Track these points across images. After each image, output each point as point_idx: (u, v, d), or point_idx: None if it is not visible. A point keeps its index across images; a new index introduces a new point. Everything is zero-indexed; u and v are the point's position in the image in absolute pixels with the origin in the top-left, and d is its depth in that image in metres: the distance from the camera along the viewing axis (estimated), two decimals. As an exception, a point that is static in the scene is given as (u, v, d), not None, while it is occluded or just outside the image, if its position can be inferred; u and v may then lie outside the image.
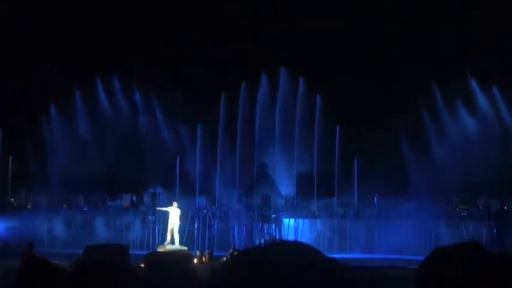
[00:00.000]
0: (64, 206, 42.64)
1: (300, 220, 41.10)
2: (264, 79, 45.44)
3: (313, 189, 42.14)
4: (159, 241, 36.12)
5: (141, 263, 24.07)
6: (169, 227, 31.37)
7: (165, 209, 32.95)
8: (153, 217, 40.10)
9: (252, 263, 7.87)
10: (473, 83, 44.38)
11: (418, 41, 52.64)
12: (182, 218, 32.40)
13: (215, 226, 40.54)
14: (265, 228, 41.04)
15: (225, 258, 27.87)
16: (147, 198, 43.86)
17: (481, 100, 44.10)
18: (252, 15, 54.61)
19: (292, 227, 40.81)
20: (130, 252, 26.60)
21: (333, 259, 9.15)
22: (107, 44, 52.76)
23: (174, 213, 31.57)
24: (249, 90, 45.17)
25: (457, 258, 6.40)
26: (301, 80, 44.33)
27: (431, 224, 40.16)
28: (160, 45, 53.25)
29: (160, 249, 30.71)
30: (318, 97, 44.03)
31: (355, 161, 42.28)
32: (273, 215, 41.16)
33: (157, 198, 42.48)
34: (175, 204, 32.23)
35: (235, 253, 25.35)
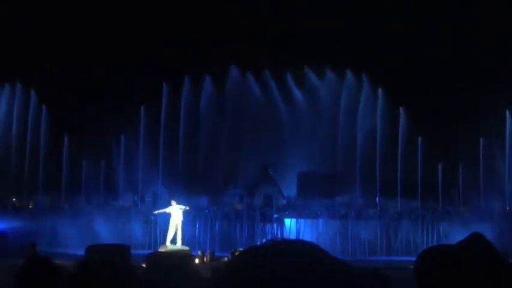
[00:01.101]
0: (66, 206, 42.73)
1: (302, 220, 41.06)
2: (268, 78, 45.65)
3: (315, 188, 42.18)
4: (161, 241, 36.08)
5: (143, 263, 24.10)
6: (172, 227, 31.19)
7: (163, 210, 32.71)
8: (155, 217, 40.09)
9: (253, 263, 7.88)
10: None
11: (418, 41, 52.74)
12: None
13: (217, 226, 40.51)
14: (267, 228, 41.00)
15: (226, 259, 27.87)
16: (148, 198, 43.85)
17: None
18: (252, 15, 54.70)
19: (294, 227, 40.77)
20: (132, 252, 26.58)
21: (335, 258, 9.17)
22: (107, 44, 52.83)
23: (175, 212, 31.34)
24: (250, 89, 45.35)
25: (458, 252, 6.41)
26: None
27: (434, 224, 40.32)
28: (160, 45, 53.31)
29: (161, 249, 30.65)
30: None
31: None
32: (275, 215, 41.11)
33: (159, 198, 42.46)
34: (174, 202, 31.93)
35: (236, 253, 25.37)
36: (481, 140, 43.80)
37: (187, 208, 31.77)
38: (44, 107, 45.47)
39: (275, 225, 40.88)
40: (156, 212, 34.56)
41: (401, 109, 44.29)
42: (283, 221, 41.06)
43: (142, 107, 44.92)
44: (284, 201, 43.72)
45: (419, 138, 43.60)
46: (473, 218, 39.15)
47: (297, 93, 46.24)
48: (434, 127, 46.15)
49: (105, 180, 43.95)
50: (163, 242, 32.37)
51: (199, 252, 31.67)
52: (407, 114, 44.27)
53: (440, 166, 43.46)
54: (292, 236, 39.19)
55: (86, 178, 43.52)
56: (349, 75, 45.28)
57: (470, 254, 6.29)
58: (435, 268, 6.51)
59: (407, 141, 43.73)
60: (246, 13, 54.27)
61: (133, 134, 44.86)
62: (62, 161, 44.32)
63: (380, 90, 44.61)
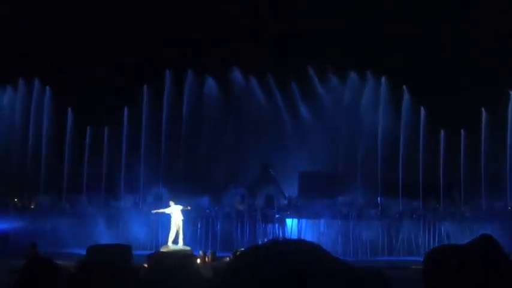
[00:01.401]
0: (67, 206, 42.71)
1: (303, 220, 41.00)
2: (269, 78, 45.69)
3: (316, 188, 42.11)
4: (162, 241, 36.10)
5: (144, 264, 24.06)
6: (173, 227, 31.15)
7: (162, 210, 32.69)
8: (155, 216, 40.06)
9: (254, 263, 7.78)
10: None
11: (418, 41, 52.66)
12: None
13: (218, 226, 40.46)
14: (269, 228, 40.95)
15: (228, 259, 27.85)
16: (149, 199, 43.80)
17: None
18: (252, 15, 54.58)
19: (296, 227, 40.71)
20: (134, 252, 26.56)
21: (337, 258, 9.10)
22: (107, 44, 52.75)
23: (175, 212, 31.33)
24: (251, 90, 45.37)
25: (464, 252, 6.34)
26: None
27: (435, 224, 40.29)
28: (160, 45, 53.23)
29: (163, 249, 30.67)
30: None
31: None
32: (277, 215, 41.06)
33: (161, 198, 42.42)
34: (172, 203, 31.89)
35: (238, 253, 25.35)
36: (482, 139, 43.81)
37: (189, 208, 31.81)
38: (44, 105, 45.51)
39: (276, 226, 40.83)
40: (154, 211, 34.56)
41: (404, 87, 44.45)
42: (285, 221, 41.01)
43: (143, 107, 44.90)
44: (285, 202, 43.65)
45: (421, 108, 43.74)
46: (475, 217, 39.13)
47: (298, 94, 46.25)
48: (435, 123, 46.10)
49: (106, 180, 43.96)
50: (165, 242, 32.40)
51: (200, 252, 31.73)
52: (409, 110, 44.37)
53: (441, 165, 43.52)
54: (294, 236, 39.10)
55: (87, 178, 43.54)
56: (350, 75, 45.28)
57: (477, 255, 6.22)
58: (442, 269, 6.45)
59: (409, 140, 43.72)
60: (246, 13, 54.18)
61: (133, 133, 44.85)
62: (63, 161, 44.33)
63: (383, 79, 44.75)
